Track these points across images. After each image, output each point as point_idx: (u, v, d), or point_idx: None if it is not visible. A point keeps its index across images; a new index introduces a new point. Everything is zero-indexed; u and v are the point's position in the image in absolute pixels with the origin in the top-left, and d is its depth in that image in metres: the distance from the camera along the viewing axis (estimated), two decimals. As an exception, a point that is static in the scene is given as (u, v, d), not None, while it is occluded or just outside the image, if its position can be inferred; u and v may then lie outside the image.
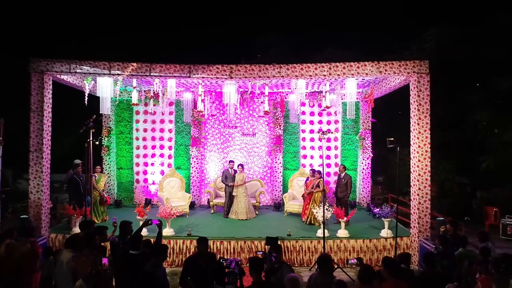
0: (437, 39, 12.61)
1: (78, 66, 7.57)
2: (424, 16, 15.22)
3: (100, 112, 8.35)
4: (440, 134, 12.66)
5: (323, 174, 7.56)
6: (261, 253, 5.08)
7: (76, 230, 7.76)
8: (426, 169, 7.50)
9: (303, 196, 9.35)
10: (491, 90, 11.03)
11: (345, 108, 9.38)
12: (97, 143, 7.43)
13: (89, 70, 7.58)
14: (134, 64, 7.55)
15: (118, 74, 7.63)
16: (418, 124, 7.53)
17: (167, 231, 7.74)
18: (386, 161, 14.43)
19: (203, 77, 7.71)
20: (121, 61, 7.58)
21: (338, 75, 7.66)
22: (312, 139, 11.40)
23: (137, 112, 11.29)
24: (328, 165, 11.28)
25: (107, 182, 10.31)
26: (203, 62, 7.80)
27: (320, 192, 8.64)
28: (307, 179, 9.50)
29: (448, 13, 14.40)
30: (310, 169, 9.78)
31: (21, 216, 7.21)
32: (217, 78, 7.73)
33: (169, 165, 11.25)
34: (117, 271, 4.20)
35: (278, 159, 11.05)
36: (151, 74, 7.59)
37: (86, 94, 8.17)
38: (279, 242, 6.05)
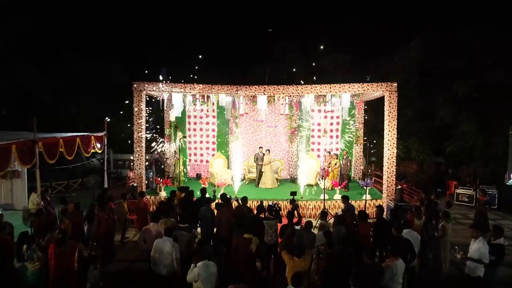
0: (418, 49, 16.10)
1: (163, 86, 11.48)
2: (412, 25, 18.46)
3: (175, 116, 12.34)
4: (419, 123, 16.47)
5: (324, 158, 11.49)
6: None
7: (162, 193, 11.95)
8: (393, 155, 11.29)
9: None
10: (453, 93, 14.63)
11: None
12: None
13: (171, 89, 11.50)
14: (200, 85, 11.43)
15: (189, 92, 11.55)
16: (389, 125, 11.27)
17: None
18: (377, 145, 18.25)
19: (245, 94, 11.59)
20: (192, 83, 11.46)
21: (336, 92, 11.42)
22: (319, 130, 15.24)
23: (188, 110, 15.19)
24: (331, 150, 15.14)
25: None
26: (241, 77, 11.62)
27: (337, 169, 12.75)
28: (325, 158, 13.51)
29: (431, 24, 17.67)
30: (327, 151, 13.75)
31: (133, 184, 11.34)
32: (255, 94, 11.59)
33: (213, 149, 15.30)
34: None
35: (294, 145, 14.98)
36: (212, 92, 11.49)
37: (165, 101, 12.18)
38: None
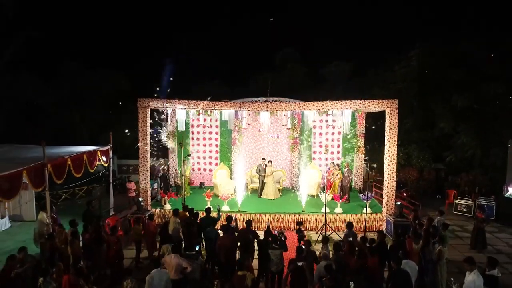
0: (418, 59, 16.20)
1: (167, 103, 11.66)
2: (413, 34, 18.56)
3: (179, 129, 12.58)
4: (419, 132, 16.65)
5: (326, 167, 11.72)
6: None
7: (167, 206, 12.22)
8: (393, 169, 11.49)
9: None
10: (453, 103, 14.78)
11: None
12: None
13: (175, 106, 11.68)
14: (204, 102, 11.62)
15: (193, 108, 11.74)
16: (389, 140, 11.44)
17: (225, 208, 12.04)
18: (378, 151, 18.45)
19: (248, 110, 11.78)
20: (196, 100, 11.64)
21: (337, 108, 11.60)
22: (320, 140, 15.44)
23: (192, 120, 15.38)
24: (332, 159, 15.38)
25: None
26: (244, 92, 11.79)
27: (338, 180, 13.05)
28: (329, 168, 13.78)
29: (432, 33, 17.77)
30: (331, 162, 14.00)
31: (139, 199, 11.59)
32: (257, 110, 11.78)
33: (216, 158, 15.55)
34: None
35: (295, 155, 15.21)
36: (215, 108, 11.68)
37: (169, 115, 12.39)
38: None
